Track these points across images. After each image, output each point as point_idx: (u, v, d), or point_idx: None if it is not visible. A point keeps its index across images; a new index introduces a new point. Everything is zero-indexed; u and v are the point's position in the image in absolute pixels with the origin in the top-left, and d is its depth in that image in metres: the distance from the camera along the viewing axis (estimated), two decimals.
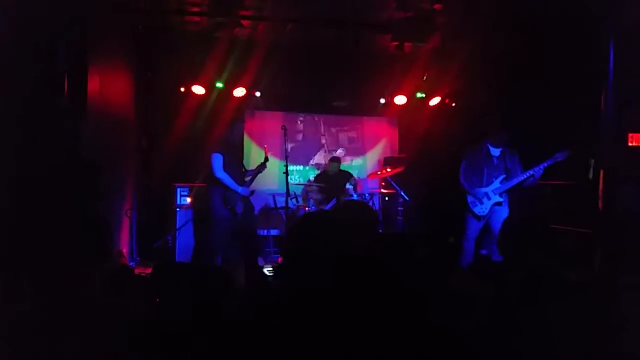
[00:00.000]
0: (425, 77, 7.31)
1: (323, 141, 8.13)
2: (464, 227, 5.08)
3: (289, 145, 5.75)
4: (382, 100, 7.64)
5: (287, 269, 1.77)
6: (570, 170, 5.06)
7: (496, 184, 4.95)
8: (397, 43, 6.28)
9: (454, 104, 7.63)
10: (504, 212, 5.00)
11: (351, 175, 6.83)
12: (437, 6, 5.61)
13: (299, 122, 8.06)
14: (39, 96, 3.31)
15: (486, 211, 4.96)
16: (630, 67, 4.63)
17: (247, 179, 5.21)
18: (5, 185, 3.03)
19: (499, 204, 4.96)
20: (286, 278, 1.75)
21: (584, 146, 4.99)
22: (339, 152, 8.05)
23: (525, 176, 4.85)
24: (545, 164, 4.77)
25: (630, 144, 4.78)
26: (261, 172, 5.34)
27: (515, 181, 4.90)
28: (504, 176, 4.95)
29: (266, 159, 5.31)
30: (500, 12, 5.51)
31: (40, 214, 3.21)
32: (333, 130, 8.21)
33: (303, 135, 8.09)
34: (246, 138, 7.41)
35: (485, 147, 5.04)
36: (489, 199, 4.95)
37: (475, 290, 2.21)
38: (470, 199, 5.00)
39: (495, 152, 5.02)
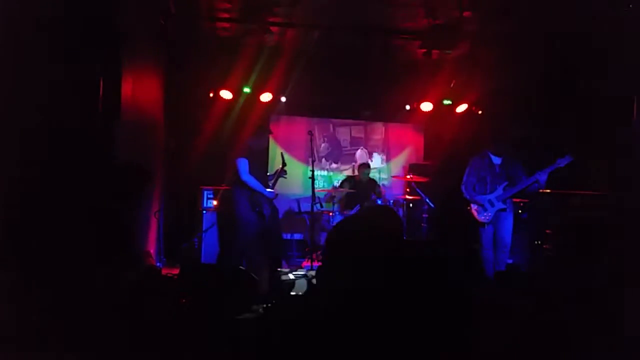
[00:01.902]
0: (452, 84, 7.27)
1: (348, 147, 8.15)
2: (478, 236, 5.13)
3: (315, 150, 5.80)
4: (408, 107, 7.63)
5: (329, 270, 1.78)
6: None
7: (499, 190, 5.02)
8: (425, 50, 6.28)
9: (480, 112, 7.58)
10: (509, 219, 5.06)
11: (377, 184, 6.84)
12: (466, 14, 5.59)
13: (324, 127, 8.10)
14: (73, 100, 3.40)
15: (490, 217, 5.02)
16: None
17: (270, 182, 5.30)
18: (40, 189, 3.12)
19: (502, 210, 5.02)
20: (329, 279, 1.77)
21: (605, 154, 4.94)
22: (363, 156, 8.05)
23: (529, 182, 4.89)
24: (549, 170, 4.80)
25: None
26: (282, 176, 5.41)
27: (518, 187, 4.96)
28: (506, 183, 5.01)
29: (284, 164, 5.40)
30: (528, 22, 5.47)
31: (73, 217, 3.30)
32: (358, 136, 8.22)
33: (328, 140, 8.12)
34: (272, 143, 7.48)
35: (487, 156, 5.13)
36: (493, 205, 5.02)
37: (503, 302, 2.20)
38: (473, 207, 5.09)
39: (497, 160, 5.11)
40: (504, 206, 5.01)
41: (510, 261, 5.45)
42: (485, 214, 5.04)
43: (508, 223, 5.05)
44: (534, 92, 6.38)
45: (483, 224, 5.05)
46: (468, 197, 5.12)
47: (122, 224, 3.96)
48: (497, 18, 5.64)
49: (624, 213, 4.80)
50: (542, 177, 4.82)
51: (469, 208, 5.14)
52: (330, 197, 6.87)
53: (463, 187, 5.17)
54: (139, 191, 3.98)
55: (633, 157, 4.90)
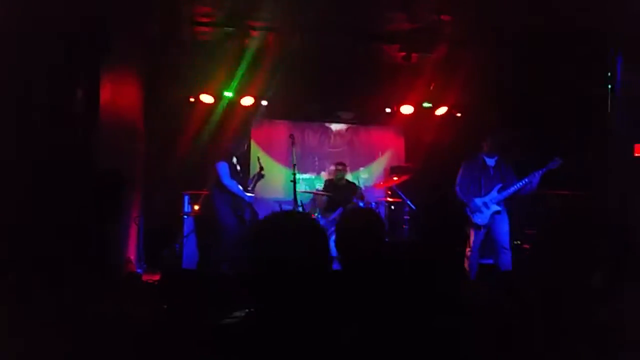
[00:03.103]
0: (432, 87, 7.35)
1: (329, 150, 8.17)
2: (466, 238, 5.13)
3: (296, 154, 5.82)
4: (388, 110, 7.68)
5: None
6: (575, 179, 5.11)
7: (494, 193, 5.03)
8: (405, 53, 6.34)
9: (459, 114, 7.66)
10: (504, 221, 5.07)
11: (357, 187, 6.86)
12: (444, 17, 5.66)
13: (306, 131, 8.11)
14: (52, 105, 3.36)
15: (486, 220, 5.02)
16: (636, 78, 4.66)
17: (249, 187, 5.31)
18: (17, 193, 3.08)
19: (498, 212, 5.03)
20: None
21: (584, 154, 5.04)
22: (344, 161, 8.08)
23: (521, 184, 4.94)
24: (541, 172, 4.85)
25: (636, 155, 4.80)
26: (260, 179, 5.44)
27: (512, 190, 4.98)
28: (500, 185, 5.04)
29: (261, 168, 5.43)
30: (507, 25, 5.55)
31: (52, 222, 3.26)
32: (339, 139, 8.25)
33: (310, 144, 8.13)
34: (254, 146, 7.46)
35: (480, 158, 5.15)
36: (488, 207, 5.02)
37: (485, 300, 2.23)
38: (469, 209, 5.07)
39: (491, 162, 5.12)
40: (499, 208, 5.01)
41: (490, 261, 5.50)
42: (481, 216, 5.03)
43: (504, 225, 5.04)
44: (514, 94, 6.46)
45: (479, 226, 5.04)
46: (463, 199, 5.09)
47: (100, 230, 3.91)
48: (473, 22, 5.72)
49: (604, 213, 4.89)
50: (535, 178, 4.86)
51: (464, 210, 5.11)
52: (313, 199, 6.88)
53: (457, 189, 5.14)
54: (115, 196, 3.92)
55: (609, 153, 4.99)
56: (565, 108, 5.68)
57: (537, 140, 5.81)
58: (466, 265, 5.08)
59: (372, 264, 2.27)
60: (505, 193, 5.00)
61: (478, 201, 5.03)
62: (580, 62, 5.28)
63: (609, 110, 4.90)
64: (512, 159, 5.20)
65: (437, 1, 5.42)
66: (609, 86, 4.82)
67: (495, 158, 5.12)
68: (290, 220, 1.58)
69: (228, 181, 4.97)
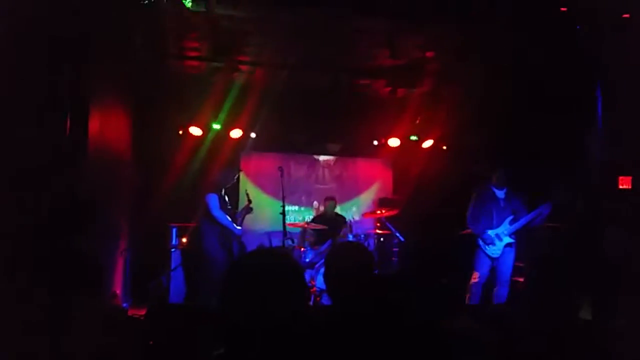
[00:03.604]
0: (418, 121, 7.47)
1: (318, 186, 8.20)
2: (474, 268, 5.11)
3: (285, 186, 5.83)
4: (375, 142, 7.77)
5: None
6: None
7: (505, 224, 5.04)
8: (391, 88, 6.47)
9: (444, 147, 7.78)
10: (512, 254, 5.07)
11: (346, 221, 6.86)
12: (428, 54, 5.81)
13: (294, 163, 8.16)
14: (40, 136, 3.36)
15: (499, 252, 5.01)
16: (619, 110, 4.78)
17: (238, 220, 5.29)
18: (3, 224, 3.04)
19: (509, 245, 5.03)
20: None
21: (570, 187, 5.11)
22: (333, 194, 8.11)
23: (532, 215, 4.95)
24: (551, 204, 4.86)
25: (620, 187, 4.88)
26: (248, 213, 5.42)
27: (523, 221, 4.99)
28: (512, 217, 5.04)
29: (249, 201, 5.42)
30: (490, 59, 5.70)
31: (36, 253, 3.21)
32: (328, 171, 8.30)
33: (299, 176, 8.17)
34: (243, 178, 7.47)
35: (489, 190, 5.15)
36: (500, 240, 5.03)
37: (477, 334, 2.23)
38: (482, 241, 5.06)
39: (500, 194, 5.14)
40: (512, 241, 5.02)
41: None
42: (493, 248, 5.03)
43: (510, 258, 5.05)
44: (499, 126, 6.56)
45: (492, 258, 5.03)
46: (475, 231, 5.08)
47: (85, 263, 3.85)
48: (456, 58, 5.87)
49: (590, 244, 4.94)
50: (545, 210, 4.88)
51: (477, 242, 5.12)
52: (302, 232, 6.84)
53: (469, 220, 5.13)
54: (90, 226, 3.86)
55: (593, 185, 5.05)
56: (549, 141, 5.77)
57: (537, 172, 5.86)
58: (468, 293, 5.05)
59: (361, 297, 2.27)
60: (517, 225, 5.00)
61: (491, 233, 5.03)
62: (566, 95, 5.40)
63: (592, 143, 5.00)
64: (521, 191, 5.21)
65: (420, 38, 5.57)
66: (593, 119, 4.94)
67: (505, 190, 5.13)
68: (265, 260, 1.57)
69: (218, 213, 4.96)
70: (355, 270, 2.47)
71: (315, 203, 8.02)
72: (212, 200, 5.04)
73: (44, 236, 3.22)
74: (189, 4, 4.30)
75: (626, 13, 4.50)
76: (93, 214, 3.89)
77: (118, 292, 5.58)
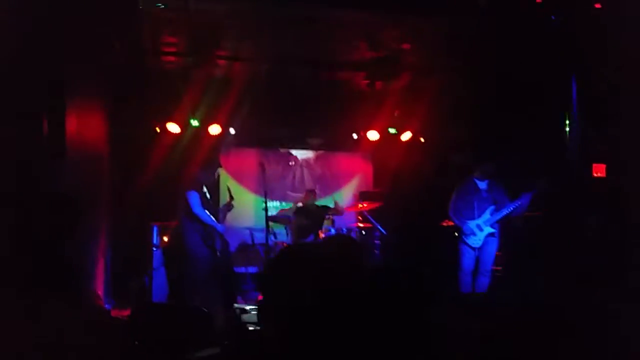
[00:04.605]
0: (396, 114, 7.51)
1: (299, 177, 8.20)
2: (458, 259, 5.20)
3: (266, 182, 5.81)
4: (355, 136, 7.80)
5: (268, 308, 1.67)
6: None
7: (487, 215, 5.11)
8: (369, 81, 6.49)
9: (422, 139, 7.84)
10: (494, 244, 5.16)
11: (328, 207, 6.84)
12: (405, 46, 5.85)
13: (275, 158, 8.13)
14: (16, 136, 3.28)
15: (480, 242, 5.10)
16: (593, 99, 4.90)
17: (220, 216, 5.24)
18: None
19: (492, 234, 5.12)
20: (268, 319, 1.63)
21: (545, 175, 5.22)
22: (314, 187, 8.11)
23: (513, 206, 5.03)
24: (531, 193, 4.95)
25: (595, 175, 5.00)
26: (230, 210, 5.37)
27: (504, 211, 5.08)
28: (493, 207, 5.12)
29: (231, 198, 5.37)
30: (466, 51, 5.77)
31: (15, 255, 3.14)
32: (308, 166, 8.29)
33: (279, 171, 8.14)
34: (223, 174, 7.40)
35: (472, 181, 5.23)
36: (481, 230, 5.11)
37: (459, 324, 2.26)
38: (463, 233, 5.14)
39: (483, 185, 5.21)
40: (493, 230, 5.10)
41: None
42: (475, 238, 5.10)
43: (492, 248, 5.15)
44: (476, 117, 6.64)
45: (473, 248, 5.11)
46: (457, 223, 5.17)
47: (65, 264, 3.78)
48: (433, 50, 5.91)
49: (565, 232, 5.05)
50: (525, 200, 4.96)
51: (456, 233, 5.22)
52: (285, 219, 6.75)
53: (451, 213, 5.22)
54: (72, 225, 3.80)
55: (568, 173, 5.17)
56: (524, 129, 5.87)
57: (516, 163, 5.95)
58: (458, 283, 5.14)
59: (349, 291, 2.28)
60: (498, 214, 5.09)
61: (471, 224, 5.11)
62: (541, 86, 5.49)
63: (567, 131, 5.11)
64: (503, 181, 5.29)
65: (398, 31, 5.59)
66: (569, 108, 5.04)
67: (487, 181, 5.21)
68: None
69: (199, 210, 4.91)
70: (342, 263, 2.48)
71: (297, 196, 8.01)
72: (193, 197, 4.99)
73: (24, 239, 3.15)
74: None
75: (597, 3, 4.61)
76: (77, 214, 3.82)
77: (100, 293, 5.50)
